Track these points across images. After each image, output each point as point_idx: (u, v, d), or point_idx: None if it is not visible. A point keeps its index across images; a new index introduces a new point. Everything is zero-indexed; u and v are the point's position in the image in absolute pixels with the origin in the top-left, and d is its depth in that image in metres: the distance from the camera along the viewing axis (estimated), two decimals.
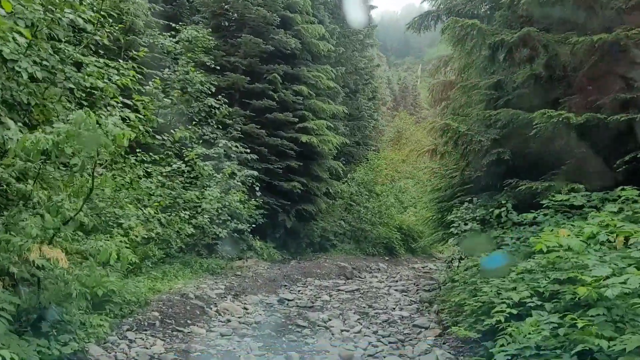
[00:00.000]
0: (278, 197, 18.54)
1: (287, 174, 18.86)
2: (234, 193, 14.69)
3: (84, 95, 7.62)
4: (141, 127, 8.78)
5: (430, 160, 12.85)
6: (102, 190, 9.44)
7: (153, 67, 14.04)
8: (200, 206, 13.05)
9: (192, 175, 13.91)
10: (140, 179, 11.28)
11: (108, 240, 5.80)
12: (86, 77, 7.38)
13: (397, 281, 17.00)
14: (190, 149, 13.78)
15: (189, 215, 12.26)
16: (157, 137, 10.57)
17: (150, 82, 9.72)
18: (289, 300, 12.44)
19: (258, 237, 17.30)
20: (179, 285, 10.77)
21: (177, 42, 16.28)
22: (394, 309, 12.13)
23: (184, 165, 13.47)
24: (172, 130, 10.36)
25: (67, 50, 7.18)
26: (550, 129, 8.17)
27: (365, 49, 33.74)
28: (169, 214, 11.93)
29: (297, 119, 19.01)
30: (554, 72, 9.56)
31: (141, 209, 8.38)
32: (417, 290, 15.05)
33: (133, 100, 7.67)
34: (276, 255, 18.29)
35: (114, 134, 4.95)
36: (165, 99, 9.71)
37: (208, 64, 16.58)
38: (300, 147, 18.97)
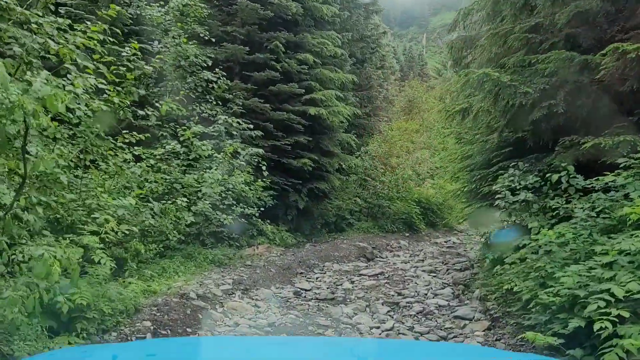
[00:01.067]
0: (288, 175, 17.07)
1: (296, 151, 17.33)
2: (238, 174, 13.20)
3: (34, 61, 6.05)
4: (116, 100, 7.28)
5: (461, 123, 11.18)
6: (84, 179, 8.02)
7: (141, 42, 12.52)
8: (200, 191, 11.56)
9: (190, 157, 12.40)
10: (128, 163, 9.75)
11: (52, 245, 4.28)
12: (33, 36, 5.82)
13: (422, 260, 15.54)
14: (186, 127, 12.24)
15: (187, 201, 10.77)
16: (139, 112, 8.99)
17: (126, 48, 8.16)
18: (306, 290, 10.99)
19: (268, 221, 15.84)
20: (179, 283, 9.32)
21: (166, 13, 14.68)
22: (426, 294, 10.66)
23: (179, 146, 11.96)
24: (157, 104, 8.79)
25: (6, 1, 5.62)
26: (621, 70, 6.54)
27: (370, 15, 31.96)
28: (164, 201, 10.45)
29: (304, 90, 17.40)
30: (611, 5, 7.89)
31: (120, 199, 6.86)
32: (448, 270, 13.57)
33: (95, 62, 6.06)
34: (289, 239, 16.87)
35: (42, 95, 3.43)
36: (146, 67, 8.14)
37: (202, 35, 14.93)
38: (308, 120, 17.43)
